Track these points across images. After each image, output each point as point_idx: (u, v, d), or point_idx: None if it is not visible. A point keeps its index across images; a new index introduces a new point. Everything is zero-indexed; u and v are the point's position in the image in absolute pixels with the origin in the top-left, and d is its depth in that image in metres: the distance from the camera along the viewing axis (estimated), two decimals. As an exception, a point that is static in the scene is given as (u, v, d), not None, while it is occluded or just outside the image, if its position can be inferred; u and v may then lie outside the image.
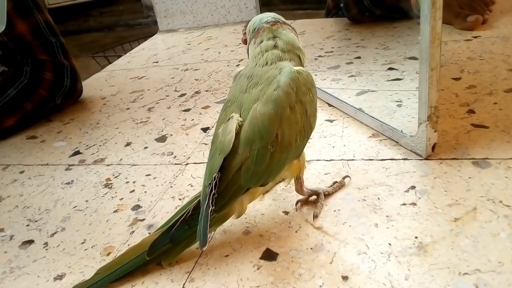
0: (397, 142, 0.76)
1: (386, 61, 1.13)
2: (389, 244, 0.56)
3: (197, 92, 1.15)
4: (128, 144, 0.95)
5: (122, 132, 1.01)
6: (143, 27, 5.43)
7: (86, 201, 0.77)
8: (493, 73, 0.94)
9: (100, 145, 0.97)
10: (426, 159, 0.70)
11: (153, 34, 1.83)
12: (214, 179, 0.52)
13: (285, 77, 0.54)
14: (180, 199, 0.73)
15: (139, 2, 6.09)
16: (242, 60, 1.32)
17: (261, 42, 0.60)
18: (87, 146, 0.97)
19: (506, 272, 0.49)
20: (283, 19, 0.63)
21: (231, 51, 1.42)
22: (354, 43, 1.32)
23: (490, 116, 0.78)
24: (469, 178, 0.65)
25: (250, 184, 0.54)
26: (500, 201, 0.59)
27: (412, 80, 1.00)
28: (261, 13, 1.26)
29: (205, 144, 0.89)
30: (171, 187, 0.77)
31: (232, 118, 0.55)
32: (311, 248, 0.57)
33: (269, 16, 0.62)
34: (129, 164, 0.87)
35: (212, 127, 0.95)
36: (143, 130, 1.00)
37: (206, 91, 1.15)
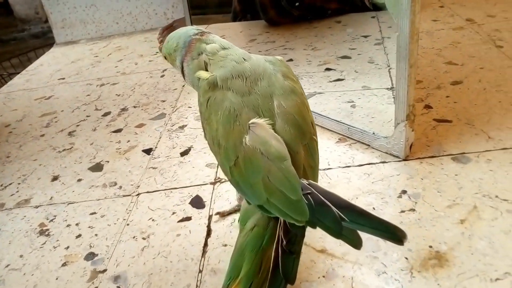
0: (368, 145, 0.72)
1: (320, 61, 1.11)
2: (406, 258, 0.51)
3: (123, 109, 1.02)
4: (55, 178, 0.80)
5: (44, 164, 0.85)
6: (19, 42, 4.94)
7: (21, 256, 0.62)
8: (433, 67, 0.95)
9: (19, 183, 0.80)
10: (405, 160, 0.67)
11: (32, 49, 1.62)
12: (309, 186, 0.44)
13: (282, 65, 0.52)
14: (144, 238, 0.61)
15: (12, 15, 5.53)
16: (165, 70, 1.21)
17: (201, 51, 0.54)
18: (1, 186, 0.80)
19: (536, 272, 0.47)
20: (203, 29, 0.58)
21: (149, 61, 1.30)
22: (280, 45, 1.28)
23: (448, 109, 0.78)
24: (456, 175, 0.63)
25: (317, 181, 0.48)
26: (496, 196, 0.58)
27: (354, 79, 0.98)
28: (190, 15, 1.17)
29: (153, 168, 0.77)
30: (128, 224, 0.65)
31: (256, 124, 0.47)
32: (323, 276, 0.50)
33: (191, 28, 0.57)
34: (64, 203, 0.73)
35: (156, 147, 0.84)
36: (70, 159, 0.85)
37: (134, 107, 1.02)
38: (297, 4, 1.42)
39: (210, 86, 0.51)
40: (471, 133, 0.71)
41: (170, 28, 1.52)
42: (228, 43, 0.56)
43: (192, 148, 0.81)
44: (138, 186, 0.73)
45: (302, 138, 0.48)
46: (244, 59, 0.52)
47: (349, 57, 1.11)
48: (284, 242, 0.44)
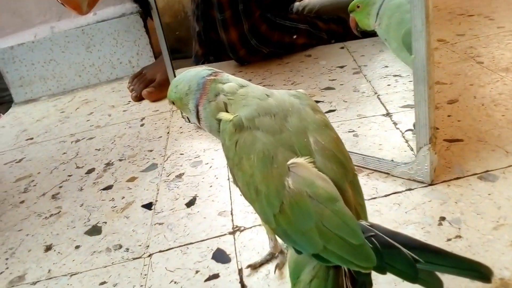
0: (387, 173, 0.69)
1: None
2: (473, 291, 0.47)
3: (108, 164, 0.95)
4: (48, 248, 0.71)
5: (31, 234, 0.76)
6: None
7: None
8: (423, 89, 0.95)
9: (6, 258, 0.71)
10: (431, 184, 0.65)
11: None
12: (371, 228, 0.40)
13: (308, 98, 0.49)
14: (172, 305, 0.54)
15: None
16: (144, 118, 1.15)
17: (218, 92, 0.50)
18: (-15, 264, 0.71)
19: None
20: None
21: (124, 111, 1.24)
22: (258, 83, 1.25)
23: (455, 129, 0.78)
24: (489, 194, 0.61)
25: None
26: (540, 211, 0.56)
27: (346, 109, 0.97)
28: (170, 60, 1.12)
29: (160, 224, 0.71)
30: (148, 291, 0.58)
31: (297, 164, 0.42)
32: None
33: (203, 69, 0.54)
34: (65, 275, 0.64)
35: (156, 201, 0.77)
36: (61, 225, 0.77)
37: (120, 160, 0.96)
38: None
39: (236, 127, 0.47)
40: (487, 149, 0.70)
41: (140, 75, 1.46)
42: (244, 80, 0.52)
43: (197, 197, 0.76)
44: (148, 246, 0.66)
45: (347, 175, 0.45)
46: (267, 95, 0.49)
47: (333, 88, 1.11)
48: None
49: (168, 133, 1.03)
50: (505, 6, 1.33)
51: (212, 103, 0.50)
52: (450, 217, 0.58)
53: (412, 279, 0.38)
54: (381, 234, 0.40)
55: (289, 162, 0.43)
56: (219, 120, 0.49)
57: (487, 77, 0.93)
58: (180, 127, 1.04)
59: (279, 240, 0.57)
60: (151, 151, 0.96)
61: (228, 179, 0.78)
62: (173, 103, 0.55)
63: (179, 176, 0.84)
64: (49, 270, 0.66)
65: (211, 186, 0.77)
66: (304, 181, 0.42)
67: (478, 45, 1.10)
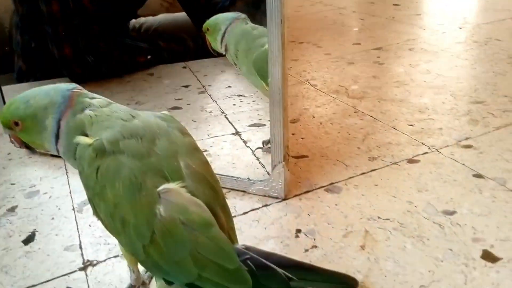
0: (244, 191, 0.71)
1: (152, 115, 1.06)
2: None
3: None
4: None
5: None
6: None
7: None
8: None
9: None
10: (285, 199, 0.68)
11: None
12: (246, 251, 0.40)
13: (175, 121, 0.47)
14: None
15: None
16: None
17: (85, 106, 0.45)
18: None
19: (441, 279, 0.51)
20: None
21: None
22: (98, 102, 1.18)
23: (300, 146, 0.83)
24: (336, 205, 0.66)
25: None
26: (379, 217, 0.63)
27: (196, 129, 0.97)
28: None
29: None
30: None
31: (168, 190, 0.40)
32: None
33: (64, 84, 0.48)
34: None
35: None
36: None
37: None
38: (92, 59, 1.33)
39: (98, 152, 0.42)
40: (329, 164, 0.76)
41: None
42: (107, 99, 0.48)
43: (37, 232, 0.66)
44: None
45: (218, 199, 0.44)
46: (133, 116, 0.45)
47: (180, 108, 1.09)
48: None
49: (-7, 160, 0.89)
50: (329, 35, 1.50)
51: (78, 116, 0.44)
52: (305, 229, 0.61)
53: None
54: (256, 256, 0.40)
55: (159, 188, 0.40)
56: (77, 144, 0.44)
57: (321, 98, 1.03)
58: (9, 153, 0.91)
59: (141, 271, 0.53)
60: (-29, 182, 0.82)
61: (73, 209, 0.70)
62: (15, 124, 0.46)
63: (12, 209, 0.72)
64: None
65: (52, 219, 0.69)
66: (176, 208, 0.40)
67: (311, 69, 1.21)
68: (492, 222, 0.60)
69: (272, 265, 0.40)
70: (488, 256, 0.54)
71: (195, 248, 0.39)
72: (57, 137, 0.45)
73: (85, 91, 0.46)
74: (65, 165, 0.83)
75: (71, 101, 0.45)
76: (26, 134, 0.46)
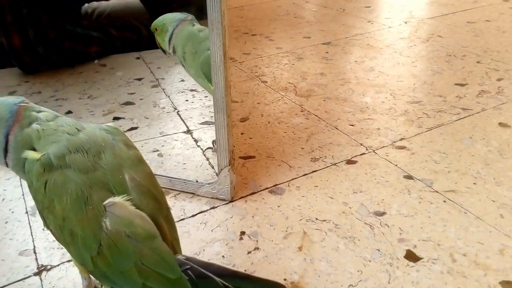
0: (193, 193, 0.75)
1: (104, 111, 1.07)
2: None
3: None
4: None
5: None
6: None
7: None
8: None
9: None
10: (231, 201, 0.72)
11: None
12: (186, 261, 0.44)
13: (120, 133, 0.51)
14: None
15: None
16: None
17: (32, 120, 0.48)
18: None
19: (368, 278, 0.58)
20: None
21: None
22: (49, 96, 1.17)
23: (247, 146, 0.87)
24: (278, 207, 0.71)
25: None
26: (316, 218, 0.68)
27: (149, 126, 0.99)
28: None
29: None
30: None
31: (113, 204, 0.43)
32: None
33: (10, 97, 0.50)
34: None
35: None
36: None
37: None
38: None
39: (45, 167, 0.45)
40: (275, 165, 0.81)
41: None
42: (55, 112, 0.50)
43: (-11, 237, 0.68)
44: None
45: (161, 210, 0.48)
46: (78, 130, 0.48)
47: (132, 103, 1.11)
48: None
49: None
50: (281, 27, 1.53)
51: (26, 131, 0.47)
52: (249, 231, 0.66)
53: None
54: (196, 266, 0.44)
55: (105, 202, 0.43)
56: (25, 158, 0.46)
57: (271, 95, 1.07)
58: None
59: (93, 277, 0.56)
60: None
61: (27, 213, 0.72)
62: None
63: (-37, 212, 0.74)
64: None
65: (6, 222, 0.71)
66: (122, 221, 0.43)
67: (262, 64, 1.25)
68: (417, 222, 0.67)
69: (211, 274, 0.44)
70: (411, 256, 0.61)
71: (139, 259, 0.43)
72: (5, 151, 0.48)
73: (32, 104, 0.49)
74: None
75: (18, 116, 0.47)
76: None
